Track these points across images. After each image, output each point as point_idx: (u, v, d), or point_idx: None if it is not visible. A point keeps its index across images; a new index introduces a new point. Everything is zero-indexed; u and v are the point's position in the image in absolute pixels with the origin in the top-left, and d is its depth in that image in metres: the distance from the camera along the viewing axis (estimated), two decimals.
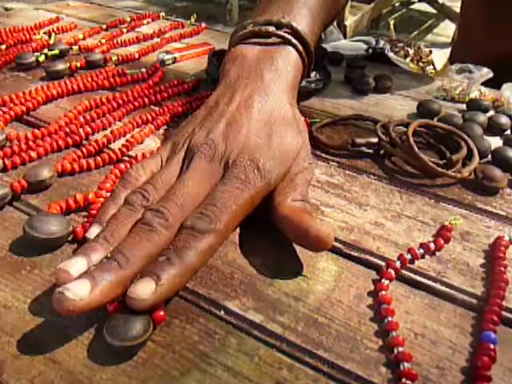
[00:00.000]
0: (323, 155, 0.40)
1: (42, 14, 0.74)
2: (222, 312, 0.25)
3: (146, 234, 0.24)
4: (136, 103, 0.45)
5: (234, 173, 0.28)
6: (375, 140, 0.40)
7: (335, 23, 2.54)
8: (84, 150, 0.37)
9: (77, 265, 0.23)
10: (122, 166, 0.35)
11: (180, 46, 0.62)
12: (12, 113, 0.42)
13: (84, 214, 0.31)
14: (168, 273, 0.23)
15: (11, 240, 0.29)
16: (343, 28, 2.16)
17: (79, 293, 0.21)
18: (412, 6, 3.31)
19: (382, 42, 0.90)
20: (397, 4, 3.14)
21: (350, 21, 2.28)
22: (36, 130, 0.39)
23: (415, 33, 2.84)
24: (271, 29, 0.38)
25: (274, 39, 0.38)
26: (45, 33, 0.63)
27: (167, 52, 0.57)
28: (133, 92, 0.46)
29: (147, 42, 0.64)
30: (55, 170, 0.34)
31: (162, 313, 0.23)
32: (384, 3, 2.60)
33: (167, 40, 0.64)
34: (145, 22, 0.72)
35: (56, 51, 0.56)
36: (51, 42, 0.60)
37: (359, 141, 0.40)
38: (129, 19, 0.72)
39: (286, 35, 0.38)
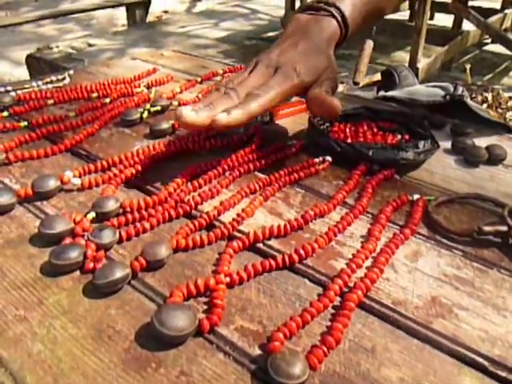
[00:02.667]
0: (444, 241, 0.37)
1: (139, 65, 0.76)
2: None
3: (225, 98, 0.43)
4: (241, 169, 0.44)
5: (281, 71, 0.45)
6: (504, 228, 0.36)
7: (407, 64, 2.49)
8: (196, 223, 0.36)
9: (188, 108, 0.41)
10: (235, 244, 0.34)
11: None
12: (123, 176, 0.42)
13: (204, 299, 0.30)
14: (235, 111, 0.41)
15: (133, 329, 0.28)
16: (415, 70, 2.12)
17: (191, 117, 0.40)
18: (485, 48, 3.22)
19: (460, 89, 0.85)
20: (469, 45, 3.06)
21: (422, 63, 2.24)
22: (148, 198, 0.39)
23: (489, 76, 2.74)
24: (321, 5, 0.52)
25: (322, 12, 0.51)
26: (145, 86, 0.65)
27: None
28: (237, 157, 0.45)
29: None
30: (171, 246, 0.33)
31: None
32: (457, 45, 2.53)
33: None
34: None
35: (158, 107, 0.57)
36: (151, 95, 0.62)
37: (487, 229, 0.36)
38: (221, 71, 0.73)
39: (330, 9, 0.51)
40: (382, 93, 1.29)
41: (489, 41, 3.24)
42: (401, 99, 0.86)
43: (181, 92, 0.65)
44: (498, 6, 3.19)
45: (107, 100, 0.59)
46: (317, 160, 0.47)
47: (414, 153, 0.47)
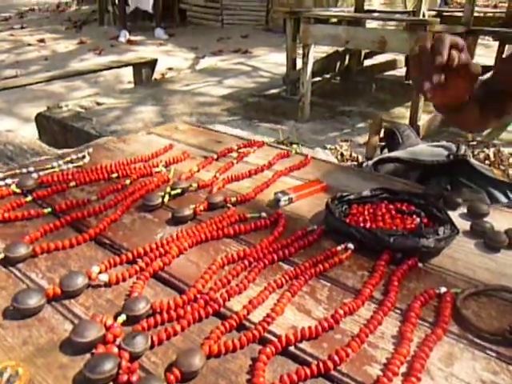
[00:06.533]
0: (477, 340, 0.37)
1: (155, 140, 0.78)
2: None
3: None
4: (266, 260, 0.45)
5: None
6: None
7: (407, 121, 2.50)
8: (227, 324, 0.36)
9: None
10: (268, 350, 0.34)
11: (292, 182, 0.63)
12: (150, 269, 0.42)
13: None
14: None
15: None
16: (416, 128, 2.17)
17: None
18: None
19: (463, 149, 0.87)
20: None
21: (422, 121, 2.29)
22: (178, 298, 0.39)
23: (488, 130, 2.79)
24: None
25: None
26: (163, 165, 0.66)
27: (283, 192, 0.58)
28: (262, 247, 0.46)
29: (258, 176, 0.65)
30: (204, 353, 0.33)
31: None
32: None
33: (278, 174, 0.64)
34: (251, 150, 0.74)
35: (178, 190, 0.58)
36: (170, 175, 0.63)
37: None
38: (236, 147, 0.75)
39: None
40: (385, 152, 1.31)
41: None
42: (405, 160, 0.89)
43: (198, 171, 0.66)
44: (491, 62, 3.30)
45: (128, 181, 0.60)
46: (339, 248, 0.47)
47: (435, 240, 0.47)
